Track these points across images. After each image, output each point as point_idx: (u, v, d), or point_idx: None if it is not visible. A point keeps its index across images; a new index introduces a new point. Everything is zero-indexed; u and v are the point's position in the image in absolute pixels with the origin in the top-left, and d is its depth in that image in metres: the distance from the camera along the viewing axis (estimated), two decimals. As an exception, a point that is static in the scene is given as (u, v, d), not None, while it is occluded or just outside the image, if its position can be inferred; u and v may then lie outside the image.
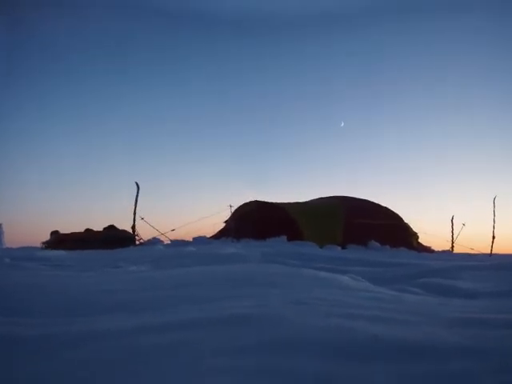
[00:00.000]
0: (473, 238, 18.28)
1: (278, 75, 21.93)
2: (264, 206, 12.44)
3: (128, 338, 1.46)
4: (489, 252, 12.48)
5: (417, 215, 21.21)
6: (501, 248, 13.05)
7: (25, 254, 6.50)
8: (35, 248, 11.27)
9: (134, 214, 12.47)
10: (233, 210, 12.99)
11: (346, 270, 4.34)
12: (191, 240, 11.80)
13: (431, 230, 17.82)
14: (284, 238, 10.47)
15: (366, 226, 11.64)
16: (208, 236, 12.83)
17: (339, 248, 10.31)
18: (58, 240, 12.31)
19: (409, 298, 2.69)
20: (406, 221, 13.16)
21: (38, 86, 20.82)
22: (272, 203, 12.76)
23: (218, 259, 5.01)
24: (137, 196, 12.46)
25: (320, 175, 22.98)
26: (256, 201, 12.81)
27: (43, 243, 12.61)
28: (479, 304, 2.61)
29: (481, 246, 14.87)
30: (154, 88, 22.02)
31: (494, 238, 12.76)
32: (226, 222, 13.33)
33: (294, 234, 10.82)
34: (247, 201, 13.14)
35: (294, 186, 22.21)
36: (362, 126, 22.52)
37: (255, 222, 11.71)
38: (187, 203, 19.70)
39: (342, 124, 21.12)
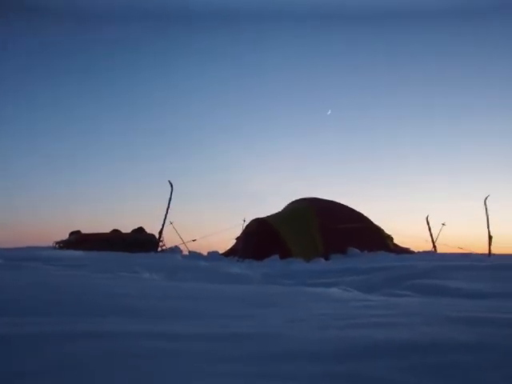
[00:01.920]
0: (457, 238, 18.51)
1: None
2: (261, 224, 12.55)
3: (130, 340, 1.45)
4: (485, 252, 12.13)
5: (391, 217, 21.36)
6: (480, 248, 13.02)
7: (25, 255, 6.21)
8: (47, 248, 10.54)
9: (165, 217, 11.91)
10: (245, 225, 12.82)
11: (335, 281, 4.39)
12: (206, 254, 11.81)
13: (407, 231, 17.89)
14: (277, 256, 10.86)
15: (342, 232, 11.78)
16: (221, 252, 12.92)
17: (323, 260, 10.46)
18: (78, 240, 11.52)
19: (400, 301, 2.76)
20: (375, 223, 13.08)
21: (67, 83, 20.65)
22: (266, 221, 12.78)
23: (227, 278, 5.10)
24: (170, 197, 11.83)
25: (282, 173, 22.90)
26: (257, 219, 12.86)
27: (57, 243, 11.85)
28: (472, 303, 2.65)
29: (466, 244, 14.79)
30: (188, 97, 21.95)
31: (490, 237, 12.28)
32: (237, 238, 13.42)
33: (284, 252, 11.12)
34: (254, 217, 13.09)
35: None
36: (330, 120, 22.38)
37: (255, 241, 11.87)
38: (210, 213, 19.32)
39: (329, 112, 20.61)
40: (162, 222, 11.96)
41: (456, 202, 20.43)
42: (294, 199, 14.20)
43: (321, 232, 11.86)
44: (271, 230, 12.11)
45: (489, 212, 12.48)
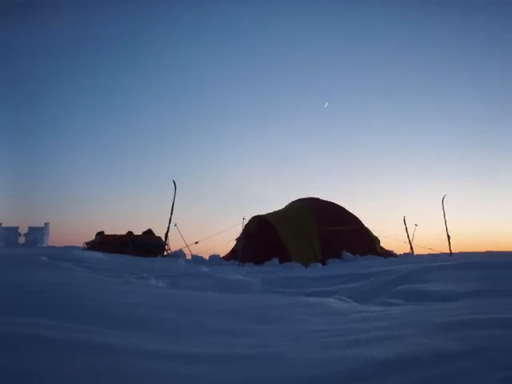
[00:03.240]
0: (428, 238, 18.72)
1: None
2: (262, 223, 12.56)
3: (133, 359, 1.46)
4: (448, 251, 12.33)
5: (371, 217, 21.54)
6: (458, 247, 13.08)
7: (62, 254, 6.43)
8: (77, 248, 11.23)
9: (169, 221, 12.08)
10: (245, 222, 12.86)
11: (331, 290, 4.53)
12: (207, 258, 11.96)
13: (388, 233, 17.96)
14: (276, 260, 10.97)
15: (337, 234, 11.87)
16: (221, 256, 12.96)
17: (320, 265, 10.62)
18: (101, 242, 12.31)
19: (393, 310, 2.84)
20: (365, 224, 13.22)
21: (78, 85, 21.24)
22: (266, 219, 12.79)
23: (228, 285, 5.17)
24: (174, 197, 12.05)
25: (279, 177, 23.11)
26: (257, 216, 12.86)
27: (86, 243, 12.61)
28: (457, 306, 2.73)
29: (437, 245, 14.76)
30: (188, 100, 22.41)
31: (449, 237, 12.48)
32: (237, 239, 13.36)
33: (284, 256, 11.24)
34: (253, 215, 13.17)
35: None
36: (308, 120, 22.64)
37: (255, 243, 11.93)
38: (211, 212, 19.68)
39: (326, 104, 20.90)
40: (167, 224, 12.22)
41: (427, 201, 20.74)
42: (294, 199, 14.30)
43: (318, 235, 11.96)
44: (271, 231, 12.05)
45: (446, 211, 12.59)
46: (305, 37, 20.46)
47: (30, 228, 14.18)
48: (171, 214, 12.14)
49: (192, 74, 22.29)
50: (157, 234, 13.24)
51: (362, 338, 1.85)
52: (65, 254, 6.64)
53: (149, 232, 13.26)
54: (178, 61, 21.39)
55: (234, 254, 12.81)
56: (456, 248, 12.67)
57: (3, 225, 14.00)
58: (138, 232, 13.31)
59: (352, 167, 23.21)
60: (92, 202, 20.65)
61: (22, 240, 13.87)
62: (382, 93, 21.46)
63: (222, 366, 1.46)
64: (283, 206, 14.29)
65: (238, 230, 13.26)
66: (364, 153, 23.17)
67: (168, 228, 12.17)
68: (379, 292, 4.11)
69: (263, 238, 12.02)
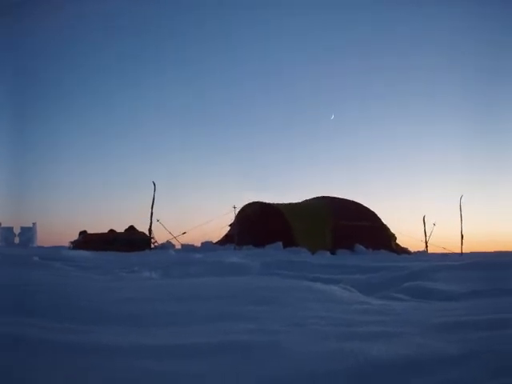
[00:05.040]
0: (444, 237, 18.51)
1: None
2: (266, 208, 12.47)
3: (129, 357, 1.43)
4: (459, 251, 12.26)
5: (391, 215, 21.43)
6: (470, 246, 12.91)
7: (52, 254, 6.57)
8: (63, 247, 11.39)
9: (151, 216, 12.58)
10: (237, 211, 12.90)
11: (337, 278, 4.41)
12: (199, 245, 12.02)
13: (405, 230, 17.86)
14: (280, 244, 10.64)
15: (352, 229, 11.79)
16: (214, 241, 12.95)
17: (328, 253, 10.49)
18: (85, 240, 12.49)
19: (397, 306, 2.77)
20: (384, 222, 13.29)
21: (63, 87, 21.28)
22: (272, 205, 12.77)
23: (223, 269, 5.09)
24: (154, 196, 12.54)
25: (299, 173, 23.14)
26: (259, 202, 12.82)
27: (71, 243, 12.79)
28: (460, 306, 2.73)
29: (452, 245, 14.69)
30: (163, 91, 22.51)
31: (462, 237, 12.43)
32: (230, 225, 13.27)
33: (289, 240, 10.99)
34: (250, 201, 13.14)
35: (280, 183, 22.41)
36: (336, 125, 22.61)
37: (256, 227, 11.81)
38: (196, 204, 19.91)
39: (332, 117, 20.90)
40: (149, 221, 12.66)
41: (446, 201, 20.55)
42: (311, 197, 14.24)
43: (332, 228, 11.87)
44: (276, 215, 11.97)
45: (466, 211, 12.60)
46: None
47: (22, 228, 14.07)
48: (152, 210, 12.58)
49: (192, 74, 22.00)
50: (140, 230, 13.30)
51: (360, 332, 1.80)
52: (54, 253, 6.73)
53: (131, 228, 13.31)
54: (174, 57, 21.05)
55: (229, 238, 12.65)
56: (469, 248, 12.61)
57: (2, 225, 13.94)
58: (120, 229, 13.34)
59: (378, 168, 23.08)
60: (75, 201, 20.71)
61: (17, 240, 13.76)
62: (403, 93, 21.00)
63: (219, 359, 1.44)
64: (299, 201, 14.16)
65: (230, 218, 13.18)
66: (390, 155, 22.98)
67: (150, 223, 12.60)
68: (386, 286, 4.03)
69: (266, 222, 11.81)
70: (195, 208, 19.93)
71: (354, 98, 22.27)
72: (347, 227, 11.79)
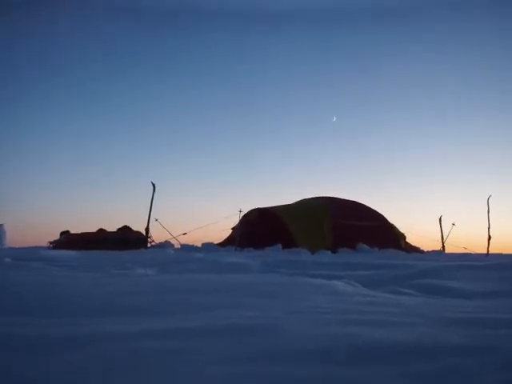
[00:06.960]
0: (466, 238, 18.30)
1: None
2: (263, 214, 12.40)
3: (129, 342, 1.41)
4: (484, 252, 11.95)
5: (406, 215, 21.26)
6: (495, 248, 12.51)
7: (28, 254, 6.26)
8: (41, 248, 10.71)
9: (149, 215, 12.17)
10: (241, 215, 12.68)
11: (339, 275, 4.27)
12: (200, 245, 11.70)
13: (421, 231, 17.70)
14: (279, 246, 10.53)
15: (354, 228, 11.63)
16: (216, 242, 12.70)
17: (329, 253, 10.33)
18: (68, 240, 11.81)
19: (403, 299, 2.66)
20: (391, 221, 13.06)
21: (45, 84, 20.68)
22: (267, 209, 12.70)
23: (223, 267, 4.98)
24: (152, 197, 12.13)
25: (304, 173, 23.12)
26: (258, 209, 12.75)
27: (51, 243, 12.09)
28: (473, 304, 2.58)
29: (474, 245, 14.47)
30: (168, 91, 22.15)
31: (489, 237, 12.13)
32: (233, 228, 13.15)
33: (288, 242, 10.83)
34: (254, 207, 12.98)
35: (281, 184, 22.32)
36: (349, 123, 22.36)
37: (256, 231, 11.66)
38: (200, 206, 19.22)
39: (334, 119, 20.64)
40: (146, 222, 12.26)
41: (467, 201, 20.37)
42: (310, 196, 14.09)
43: (332, 228, 11.72)
44: (274, 218, 11.90)
45: (492, 211, 12.23)
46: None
47: (-9, 229, 13.54)
48: (150, 210, 12.19)
49: (192, 74, 21.88)
50: (135, 229, 12.72)
51: (361, 319, 1.74)
52: (30, 254, 6.43)
53: (125, 228, 12.69)
54: (174, 57, 20.85)
55: (230, 240, 12.46)
56: (496, 249, 12.27)
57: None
58: (112, 229, 12.67)
59: (399, 166, 22.93)
60: (52, 201, 19.92)
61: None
62: (421, 92, 20.69)
63: (221, 338, 1.43)
64: (292, 202, 14.06)
65: (233, 221, 12.95)
66: (413, 154, 22.81)
67: (148, 222, 12.19)
68: (394, 282, 3.90)
69: (265, 225, 11.69)
70: (198, 209, 19.75)
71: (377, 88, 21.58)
72: (348, 226, 11.64)
